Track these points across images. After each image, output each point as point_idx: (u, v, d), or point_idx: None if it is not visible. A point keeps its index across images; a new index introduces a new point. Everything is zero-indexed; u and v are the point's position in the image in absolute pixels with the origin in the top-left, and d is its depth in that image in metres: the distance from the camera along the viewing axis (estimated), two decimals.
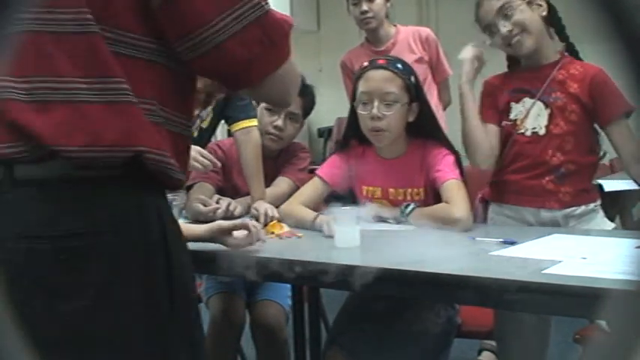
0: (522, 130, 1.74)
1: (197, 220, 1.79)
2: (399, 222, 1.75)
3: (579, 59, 1.77)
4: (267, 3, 0.90)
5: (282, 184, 2.13)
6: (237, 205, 1.97)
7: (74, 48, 0.83)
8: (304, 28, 5.41)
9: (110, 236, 0.84)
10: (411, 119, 1.80)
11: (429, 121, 1.83)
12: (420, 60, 2.62)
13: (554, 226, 1.70)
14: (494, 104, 1.81)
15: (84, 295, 0.83)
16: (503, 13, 1.67)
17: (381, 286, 1.37)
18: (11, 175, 0.84)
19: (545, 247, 1.42)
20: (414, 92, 1.79)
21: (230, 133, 2.17)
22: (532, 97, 1.74)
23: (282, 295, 2.13)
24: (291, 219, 1.80)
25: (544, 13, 1.71)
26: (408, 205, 1.76)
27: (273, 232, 1.70)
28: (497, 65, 1.87)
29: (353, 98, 1.84)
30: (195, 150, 1.78)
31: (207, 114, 2.12)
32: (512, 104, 1.77)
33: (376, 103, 1.74)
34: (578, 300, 1.07)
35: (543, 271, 1.16)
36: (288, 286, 2.13)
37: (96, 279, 0.83)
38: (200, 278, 2.22)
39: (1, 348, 0.39)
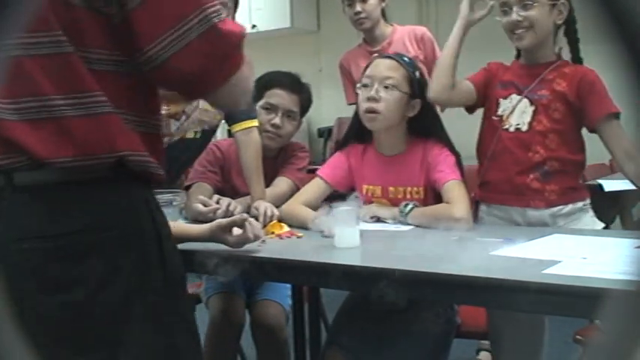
0: (507, 126, 1.74)
1: (196, 220, 1.79)
2: (397, 222, 1.75)
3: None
4: (216, 15, 0.93)
5: (281, 184, 2.13)
6: (237, 205, 1.97)
7: (52, 68, 0.90)
8: (304, 28, 5.41)
9: (106, 231, 0.92)
10: (411, 114, 1.82)
11: (432, 119, 1.85)
12: (415, 59, 2.62)
13: (542, 225, 1.70)
14: (486, 79, 1.81)
15: (85, 286, 0.90)
16: (523, 2, 1.67)
17: (381, 286, 1.37)
18: (11, 182, 0.92)
19: (545, 247, 1.42)
20: (417, 87, 1.81)
21: (230, 134, 2.17)
22: (520, 93, 1.74)
23: (282, 295, 2.13)
24: (293, 219, 1.80)
25: (559, 21, 1.71)
26: (407, 204, 1.76)
27: (273, 232, 1.70)
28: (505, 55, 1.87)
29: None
30: (198, 200, 1.84)
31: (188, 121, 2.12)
32: (501, 100, 1.77)
33: (376, 86, 1.78)
34: (578, 300, 1.07)
35: (543, 271, 1.16)
36: (288, 286, 2.13)
37: (95, 271, 0.90)
38: (200, 278, 2.22)
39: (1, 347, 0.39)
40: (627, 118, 1.63)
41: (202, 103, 1.99)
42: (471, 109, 1.89)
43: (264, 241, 1.53)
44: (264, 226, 1.72)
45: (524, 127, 1.71)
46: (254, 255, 1.44)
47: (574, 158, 1.72)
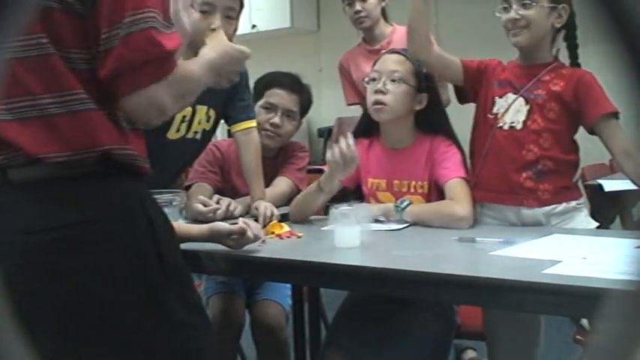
0: (501, 124, 1.74)
1: (196, 220, 1.79)
2: (389, 218, 1.76)
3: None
4: (145, 21, 0.95)
5: (281, 184, 2.14)
6: (237, 205, 1.97)
7: (38, 68, 0.95)
8: (304, 28, 5.41)
9: (101, 223, 0.96)
10: (418, 108, 1.85)
11: (439, 114, 1.87)
12: None
13: (536, 225, 1.70)
14: (479, 68, 1.81)
15: (80, 276, 0.93)
16: (523, 1, 1.67)
17: (381, 286, 1.37)
18: (6, 179, 0.95)
19: (545, 247, 1.42)
20: (424, 82, 1.84)
21: (230, 134, 2.17)
22: (516, 92, 1.74)
23: (282, 295, 2.13)
24: (300, 207, 1.83)
25: (558, 25, 1.71)
26: (403, 200, 1.77)
27: (273, 232, 1.70)
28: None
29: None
30: (198, 200, 1.86)
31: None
32: (496, 99, 1.78)
33: (383, 79, 1.82)
34: (578, 300, 1.07)
35: (543, 271, 1.16)
36: (288, 285, 2.13)
37: (89, 261, 0.94)
38: (200, 278, 2.22)
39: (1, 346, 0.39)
40: (627, 118, 1.63)
41: None
42: (461, 97, 1.88)
43: (264, 241, 1.53)
44: (264, 226, 1.72)
45: (519, 126, 1.72)
46: (254, 255, 1.44)
47: (567, 158, 1.73)
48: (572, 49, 1.76)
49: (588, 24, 0.33)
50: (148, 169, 1.06)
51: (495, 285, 1.16)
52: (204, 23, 1.59)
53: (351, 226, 1.50)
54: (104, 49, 0.95)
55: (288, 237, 1.67)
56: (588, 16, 0.33)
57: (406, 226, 1.73)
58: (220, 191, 2.08)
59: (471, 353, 2.26)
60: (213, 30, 1.46)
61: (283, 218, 1.87)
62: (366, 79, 1.88)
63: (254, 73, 2.12)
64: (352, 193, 1.93)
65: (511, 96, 1.75)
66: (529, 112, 1.71)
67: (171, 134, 1.91)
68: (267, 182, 2.08)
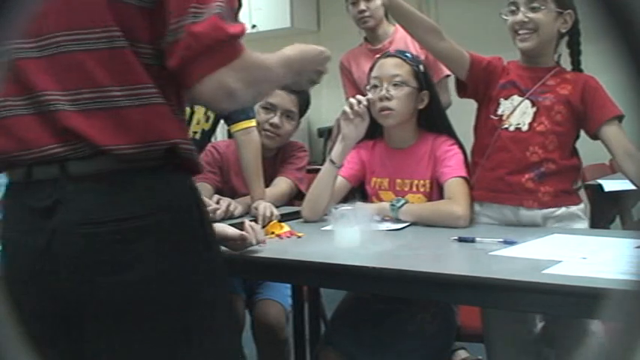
0: (506, 126, 1.75)
1: None
2: (383, 217, 1.77)
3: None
4: (208, 9, 0.96)
5: (281, 184, 2.14)
6: (237, 205, 1.97)
7: (108, 61, 0.96)
8: (304, 28, 5.40)
9: (159, 216, 0.98)
10: (421, 107, 1.87)
11: (439, 112, 1.89)
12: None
13: (534, 226, 1.70)
14: (487, 66, 1.80)
15: (141, 267, 0.96)
16: (532, 4, 1.68)
17: (381, 286, 1.37)
18: (66, 172, 0.97)
19: (545, 247, 1.42)
20: (423, 80, 1.87)
21: (230, 134, 2.17)
22: (521, 95, 1.75)
23: (282, 295, 2.13)
24: (316, 195, 1.85)
25: (564, 30, 1.72)
26: (399, 199, 1.79)
27: (273, 232, 1.70)
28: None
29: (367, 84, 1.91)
30: None
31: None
32: (501, 100, 1.78)
33: (385, 85, 1.84)
34: (578, 300, 1.07)
35: (543, 271, 1.16)
36: (289, 285, 2.14)
37: (150, 253, 0.97)
38: None
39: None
40: (628, 119, 1.64)
41: None
42: (460, 89, 1.87)
43: (264, 241, 1.53)
44: (264, 226, 1.72)
45: (525, 127, 1.72)
46: (254, 255, 1.44)
47: (569, 162, 1.73)
48: (575, 55, 1.77)
49: (589, 24, 0.33)
50: (200, 165, 1.10)
51: (495, 285, 1.16)
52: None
53: (351, 226, 1.50)
54: (172, 40, 0.96)
55: (288, 237, 1.67)
56: (589, 16, 0.33)
57: (406, 226, 1.73)
58: (219, 192, 2.09)
59: (462, 354, 2.26)
60: None
61: (283, 218, 1.88)
62: (367, 87, 1.89)
63: None
64: (356, 191, 1.95)
65: (517, 98, 1.75)
66: (535, 114, 1.72)
67: None
68: (267, 182, 2.08)
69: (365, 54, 2.70)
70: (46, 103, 0.97)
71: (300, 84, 1.27)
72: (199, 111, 1.97)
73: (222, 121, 2.22)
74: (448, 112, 2.61)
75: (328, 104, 4.92)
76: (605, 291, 0.92)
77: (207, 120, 2.02)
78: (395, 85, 1.83)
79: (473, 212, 1.78)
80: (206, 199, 1.89)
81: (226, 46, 0.98)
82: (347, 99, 2.79)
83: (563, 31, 1.72)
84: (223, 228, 1.45)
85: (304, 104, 2.21)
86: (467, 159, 1.85)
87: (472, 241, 1.49)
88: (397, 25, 2.74)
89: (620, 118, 1.65)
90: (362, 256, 1.36)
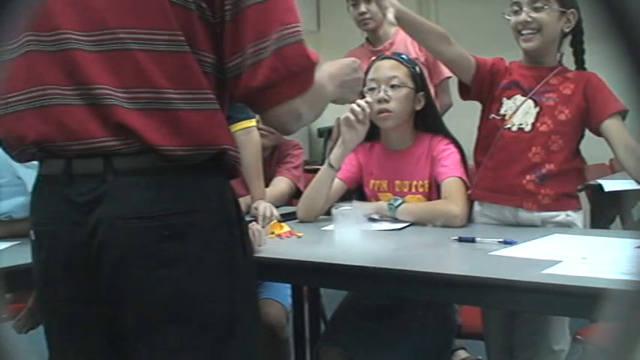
0: (509, 125, 1.75)
1: None
2: (382, 216, 1.77)
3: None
4: (293, 36, 1.01)
5: (280, 183, 2.16)
6: None
7: (168, 64, 0.96)
8: (304, 28, 5.38)
9: (202, 214, 1.00)
10: (418, 108, 1.88)
11: (434, 114, 1.90)
12: (415, 60, 2.62)
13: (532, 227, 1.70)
14: (493, 68, 1.81)
15: (184, 262, 0.98)
16: (535, 4, 1.67)
17: (381, 286, 1.37)
18: (111, 166, 0.97)
19: (545, 247, 1.42)
20: (420, 82, 1.88)
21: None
22: (524, 94, 1.75)
23: (282, 294, 2.13)
24: (311, 197, 1.86)
25: (567, 29, 1.72)
26: (397, 199, 1.81)
27: (273, 232, 1.70)
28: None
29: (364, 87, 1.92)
30: None
31: None
32: (504, 100, 1.78)
33: (382, 87, 1.85)
34: (578, 300, 1.07)
35: (543, 271, 1.16)
36: (289, 285, 2.14)
37: (192, 249, 0.99)
38: None
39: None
40: (629, 115, 1.64)
41: None
42: (464, 92, 1.87)
43: (265, 243, 1.53)
44: (263, 226, 1.72)
45: (527, 128, 1.72)
46: (254, 255, 1.44)
47: (572, 164, 1.73)
48: (579, 54, 1.76)
49: (590, 23, 0.33)
50: (239, 170, 1.13)
51: (495, 285, 1.16)
52: None
53: (351, 226, 1.50)
54: (254, 61, 0.98)
55: (288, 237, 1.68)
56: (591, 15, 0.33)
57: (406, 226, 1.74)
58: None
59: (462, 354, 2.26)
60: None
61: (283, 218, 1.88)
62: (365, 89, 1.89)
63: None
64: (354, 193, 1.96)
65: (519, 98, 1.75)
66: (538, 114, 1.71)
67: None
68: (264, 181, 2.09)
69: (367, 55, 2.70)
70: (100, 96, 0.96)
71: (346, 96, 1.29)
72: None
73: None
74: (449, 112, 2.62)
75: (328, 104, 4.91)
76: (605, 291, 0.92)
77: None
78: (392, 86, 1.84)
79: (470, 211, 1.79)
80: None
81: (307, 74, 1.03)
82: None
83: (567, 30, 1.72)
84: None
85: None
86: (464, 159, 1.86)
87: (472, 241, 1.49)
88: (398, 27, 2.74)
89: (622, 113, 1.65)
90: (362, 256, 1.36)
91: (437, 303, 1.78)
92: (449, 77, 2.70)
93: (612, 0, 0.33)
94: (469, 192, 1.82)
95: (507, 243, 1.42)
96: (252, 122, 2.06)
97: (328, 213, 1.76)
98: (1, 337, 0.41)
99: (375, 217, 1.77)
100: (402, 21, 1.74)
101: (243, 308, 1.06)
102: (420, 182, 1.86)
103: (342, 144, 1.83)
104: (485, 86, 1.80)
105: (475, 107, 1.88)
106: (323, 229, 1.73)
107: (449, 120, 2.06)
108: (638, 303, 0.34)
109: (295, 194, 2.24)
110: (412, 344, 1.73)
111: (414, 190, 1.86)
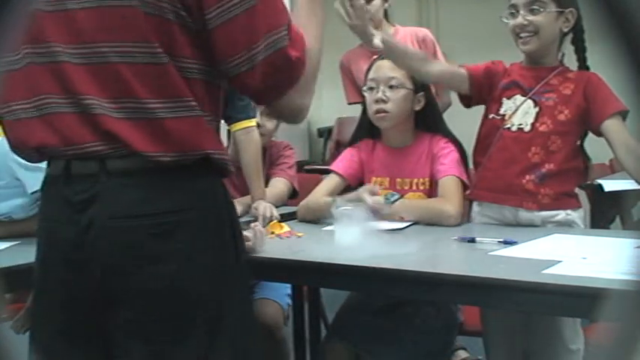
0: (509, 126, 1.75)
1: None
2: (377, 211, 1.77)
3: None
4: (282, 41, 1.03)
5: (278, 184, 2.19)
6: (237, 205, 1.97)
7: (148, 76, 1.00)
8: None
9: (191, 212, 1.03)
10: (417, 108, 1.89)
11: (434, 113, 1.90)
12: None
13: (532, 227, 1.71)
14: (486, 73, 1.81)
15: (173, 260, 1.01)
16: (531, 7, 1.67)
17: (381, 286, 1.37)
18: (105, 168, 1.01)
19: (545, 247, 1.42)
20: (420, 82, 1.88)
21: (230, 133, 2.17)
22: (524, 94, 1.75)
23: (280, 294, 2.13)
24: (311, 213, 1.85)
25: (566, 29, 1.72)
26: (394, 194, 1.82)
27: (273, 232, 1.70)
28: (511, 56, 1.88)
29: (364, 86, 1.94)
30: None
31: None
32: (504, 100, 1.78)
33: (381, 87, 1.86)
34: (578, 300, 1.07)
35: (543, 271, 1.16)
36: (288, 285, 2.14)
37: (181, 247, 1.02)
38: None
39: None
40: (629, 115, 1.64)
41: None
42: (465, 101, 1.88)
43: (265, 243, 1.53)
44: (264, 226, 1.72)
45: (527, 128, 1.72)
46: (254, 255, 1.44)
47: (572, 164, 1.73)
48: (581, 52, 1.76)
49: (591, 23, 0.33)
50: (230, 170, 1.14)
51: (495, 285, 1.16)
52: None
53: (351, 226, 1.50)
54: (248, 68, 1.03)
55: (288, 237, 1.68)
56: (591, 15, 0.33)
57: (407, 226, 1.74)
58: None
59: (462, 354, 2.26)
60: None
61: (283, 218, 1.88)
62: (364, 88, 1.91)
63: None
64: (354, 190, 1.96)
65: (519, 98, 1.75)
66: (537, 114, 1.72)
67: None
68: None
69: (366, 55, 2.70)
70: (89, 106, 1.01)
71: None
72: None
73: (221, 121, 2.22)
74: (448, 112, 2.62)
75: (328, 104, 4.91)
76: (605, 291, 0.92)
77: None
78: (391, 87, 1.85)
79: (467, 211, 1.80)
80: None
81: (295, 71, 1.07)
82: (347, 99, 2.81)
83: (566, 30, 1.72)
84: None
85: None
86: (464, 158, 1.87)
87: (472, 241, 1.49)
88: (397, 26, 2.74)
89: (623, 113, 1.65)
90: (362, 256, 1.36)
91: (439, 300, 1.79)
92: None
93: (612, 0, 0.33)
94: (468, 192, 1.82)
95: (507, 243, 1.42)
96: (252, 122, 2.06)
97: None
98: (0, 337, 0.41)
99: (374, 198, 1.77)
100: (386, 46, 1.77)
101: (232, 307, 1.07)
102: (421, 180, 1.87)
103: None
104: (484, 91, 1.81)
105: (475, 107, 1.89)
106: (323, 229, 1.73)
107: (449, 120, 2.06)
108: (638, 303, 0.34)
109: (292, 194, 2.24)
110: (416, 340, 1.75)
111: (414, 187, 1.88)
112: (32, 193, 1.66)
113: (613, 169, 3.39)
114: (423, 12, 5.08)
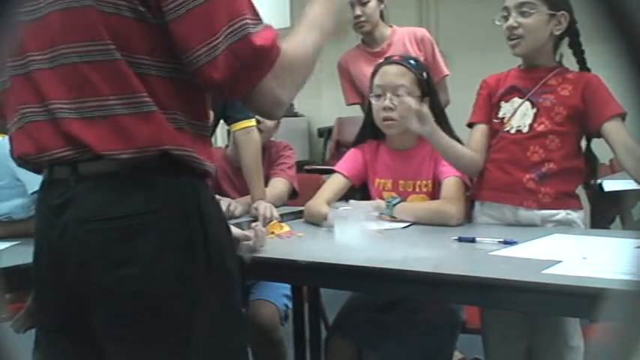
0: (508, 128, 1.76)
1: None
2: (381, 214, 1.78)
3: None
4: (244, 28, 1.02)
5: (278, 184, 2.18)
6: (237, 205, 1.97)
7: (105, 72, 1.01)
8: None
9: (157, 214, 1.02)
10: None
11: (439, 115, 1.89)
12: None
13: (532, 226, 1.71)
14: (488, 104, 1.83)
15: (140, 262, 1.01)
16: (521, 9, 1.68)
17: (381, 286, 1.37)
18: (76, 172, 1.03)
19: (545, 247, 1.42)
20: (426, 87, 1.88)
21: (229, 133, 2.17)
22: (522, 96, 1.75)
23: (277, 295, 2.13)
24: (311, 218, 1.85)
25: (557, 32, 1.71)
26: (395, 197, 1.83)
27: (273, 232, 1.70)
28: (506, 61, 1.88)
29: (370, 91, 1.94)
30: None
31: None
32: (502, 103, 1.79)
33: (389, 95, 1.85)
34: (578, 300, 1.07)
35: (543, 271, 1.16)
36: (285, 285, 2.14)
37: (148, 249, 1.01)
38: None
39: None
40: (628, 115, 1.64)
41: None
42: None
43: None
44: (264, 226, 1.72)
45: (525, 129, 1.73)
46: (254, 255, 1.44)
47: (572, 163, 1.73)
48: (579, 55, 1.76)
49: (590, 23, 0.33)
50: (209, 171, 1.12)
51: (495, 285, 1.16)
52: None
53: (351, 226, 1.50)
54: (209, 59, 1.01)
55: (288, 237, 1.68)
56: (589, 15, 0.33)
57: (407, 226, 1.74)
58: None
59: (457, 354, 2.27)
60: None
61: (283, 218, 1.88)
62: (371, 95, 1.91)
63: None
64: (358, 192, 1.97)
65: (517, 100, 1.76)
66: (535, 115, 1.72)
67: None
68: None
69: (363, 56, 2.70)
70: (55, 110, 1.04)
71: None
72: None
73: (222, 121, 2.22)
74: (449, 112, 2.62)
75: (328, 104, 4.92)
76: (605, 291, 0.92)
77: None
78: (399, 96, 1.84)
79: (469, 211, 1.80)
80: None
81: (262, 60, 1.04)
82: (346, 100, 2.81)
83: (558, 32, 1.72)
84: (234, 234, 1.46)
85: None
86: None
87: (472, 241, 1.49)
88: (394, 27, 2.73)
89: (622, 116, 1.65)
90: (362, 256, 1.36)
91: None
92: (446, 75, 2.70)
93: (612, 0, 0.33)
94: (469, 192, 1.83)
95: (507, 243, 1.42)
96: (252, 122, 2.06)
97: None
98: (0, 337, 0.41)
99: (375, 214, 1.77)
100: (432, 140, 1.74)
101: (203, 309, 1.05)
102: (424, 182, 1.88)
103: None
104: (491, 108, 1.83)
105: (470, 107, 1.89)
106: (323, 229, 1.73)
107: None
108: (638, 303, 0.34)
109: (291, 194, 2.25)
110: (419, 337, 1.76)
111: (417, 189, 1.88)
112: (32, 193, 1.66)
113: (613, 169, 3.39)
114: (422, 12, 5.08)
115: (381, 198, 1.91)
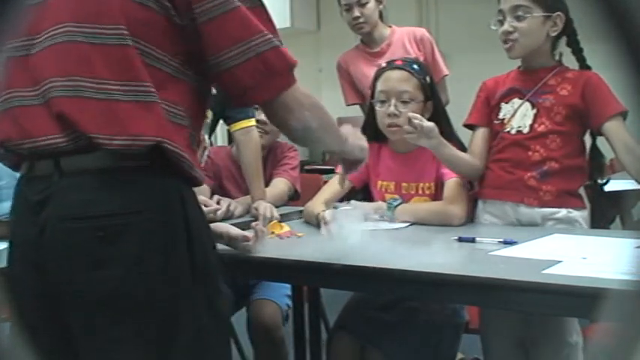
0: (508, 129, 1.76)
1: None
2: (382, 216, 1.79)
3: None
4: (274, 42, 1.08)
5: (279, 184, 2.18)
6: (237, 205, 1.97)
7: (110, 56, 1.00)
8: (304, 28, 5.40)
9: (140, 214, 1.00)
10: (427, 116, 1.87)
11: (441, 119, 1.89)
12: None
13: (532, 224, 1.71)
14: (485, 107, 1.84)
15: (120, 263, 0.99)
16: (516, 13, 1.68)
17: (381, 286, 1.37)
18: (59, 167, 1.01)
19: (545, 247, 1.42)
20: (429, 91, 1.88)
21: (229, 133, 2.18)
22: (522, 97, 1.75)
23: (279, 294, 2.13)
24: (309, 218, 1.85)
25: (554, 33, 1.71)
26: (396, 199, 1.84)
27: (273, 232, 1.70)
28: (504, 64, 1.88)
29: (371, 96, 1.94)
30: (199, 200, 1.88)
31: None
32: (502, 104, 1.80)
33: (393, 101, 1.85)
34: (578, 300, 1.07)
35: (543, 271, 1.16)
36: (287, 285, 2.14)
37: (129, 250, 0.99)
38: None
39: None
40: (629, 114, 1.64)
41: None
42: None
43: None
44: (264, 226, 1.72)
45: (526, 130, 1.73)
46: (254, 255, 1.44)
47: (574, 161, 1.73)
48: (578, 53, 1.76)
49: (589, 23, 0.33)
50: (197, 178, 1.11)
51: (495, 285, 1.16)
52: None
53: (351, 226, 1.50)
54: (237, 63, 1.04)
55: (288, 237, 1.68)
56: (589, 15, 0.33)
57: (406, 226, 1.74)
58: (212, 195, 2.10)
59: (457, 355, 2.27)
60: None
61: (283, 218, 1.88)
62: (375, 101, 1.90)
63: None
64: (360, 193, 1.97)
65: (517, 101, 1.76)
66: (536, 115, 1.72)
67: None
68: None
69: (363, 57, 2.70)
70: (48, 91, 1.01)
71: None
72: None
73: (221, 121, 2.22)
74: (449, 111, 2.62)
75: (328, 104, 4.90)
76: (605, 291, 0.92)
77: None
78: (403, 102, 1.84)
79: (472, 211, 1.80)
80: (206, 199, 1.90)
81: (287, 72, 1.10)
82: (345, 100, 2.81)
83: (554, 33, 1.72)
84: (227, 228, 1.46)
85: None
86: None
87: (472, 241, 1.49)
88: (393, 27, 2.73)
89: (623, 114, 1.65)
90: (362, 256, 1.36)
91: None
92: (446, 75, 2.70)
93: (612, 0, 0.33)
94: (472, 192, 1.83)
95: (507, 243, 1.43)
96: (252, 122, 2.06)
97: None
98: (0, 337, 0.42)
99: (375, 216, 1.78)
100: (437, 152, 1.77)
101: (187, 312, 1.04)
102: (427, 184, 1.88)
103: None
104: (489, 113, 1.83)
105: (469, 107, 1.89)
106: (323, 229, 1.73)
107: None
108: (638, 303, 0.34)
109: (293, 195, 2.24)
110: (422, 336, 1.77)
111: (420, 192, 1.88)
112: None
113: (613, 169, 3.38)
114: (422, 12, 5.08)
115: (384, 200, 1.91)
